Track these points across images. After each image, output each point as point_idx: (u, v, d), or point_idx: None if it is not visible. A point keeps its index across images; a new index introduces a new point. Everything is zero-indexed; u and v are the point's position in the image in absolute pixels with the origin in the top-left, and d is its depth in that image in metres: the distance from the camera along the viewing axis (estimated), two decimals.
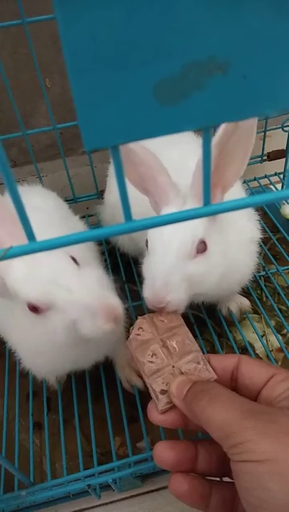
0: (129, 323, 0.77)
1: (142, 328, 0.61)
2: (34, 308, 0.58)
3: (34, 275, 0.57)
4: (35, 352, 0.67)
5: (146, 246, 0.68)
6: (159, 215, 0.66)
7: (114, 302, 0.58)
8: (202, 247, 0.65)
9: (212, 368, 0.56)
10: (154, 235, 0.65)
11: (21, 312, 0.60)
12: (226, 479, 0.55)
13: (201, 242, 0.65)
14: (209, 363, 0.57)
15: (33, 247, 0.28)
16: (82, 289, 0.57)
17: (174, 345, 0.59)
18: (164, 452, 0.54)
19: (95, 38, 0.21)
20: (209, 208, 0.27)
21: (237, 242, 0.75)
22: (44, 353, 0.66)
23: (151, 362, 0.57)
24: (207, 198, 0.29)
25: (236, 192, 0.84)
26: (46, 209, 0.87)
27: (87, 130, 0.23)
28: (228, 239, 0.71)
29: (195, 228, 0.64)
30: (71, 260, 0.61)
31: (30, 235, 0.28)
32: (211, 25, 0.22)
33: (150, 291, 0.63)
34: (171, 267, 0.62)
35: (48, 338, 0.60)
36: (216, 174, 0.62)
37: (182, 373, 0.56)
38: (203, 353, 0.59)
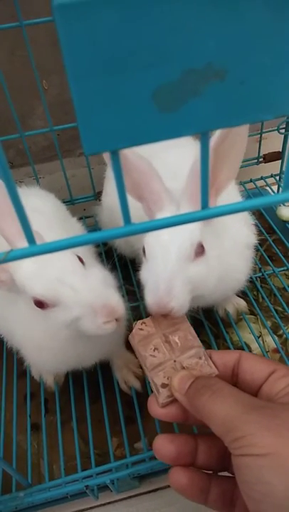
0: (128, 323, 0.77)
1: (144, 323, 0.61)
2: (40, 304, 0.61)
3: (42, 272, 0.60)
4: (39, 347, 0.70)
5: (144, 253, 0.67)
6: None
7: (115, 302, 0.61)
8: (200, 250, 0.65)
9: (213, 363, 0.57)
10: (151, 240, 0.65)
11: (26, 308, 0.64)
12: (226, 473, 0.55)
13: (199, 245, 0.65)
14: (211, 358, 0.57)
15: (33, 250, 0.29)
16: (86, 288, 0.60)
17: (176, 340, 0.59)
18: (164, 446, 0.54)
19: (94, 45, 0.21)
20: (208, 212, 0.28)
21: (232, 247, 0.74)
22: (48, 349, 0.69)
23: (153, 356, 0.58)
24: (205, 202, 0.29)
25: (232, 194, 0.84)
26: (44, 210, 0.87)
27: (87, 135, 0.24)
28: (224, 244, 0.71)
29: (192, 231, 0.64)
30: (78, 260, 0.64)
31: (30, 238, 0.29)
32: (208, 32, 0.22)
33: (153, 297, 0.61)
34: (173, 271, 0.62)
35: (51, 332, 0.64)
36: (210, 177, 0.62)
37: (184, 368, 0.56)
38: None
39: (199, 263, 0.65)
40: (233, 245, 0.75)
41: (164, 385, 0.55)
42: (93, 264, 0.71)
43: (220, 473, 0.56)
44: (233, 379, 0.55)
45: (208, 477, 0.54)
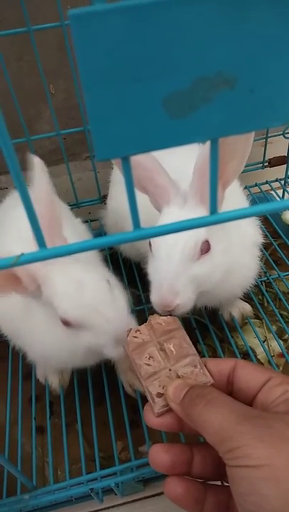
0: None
1: (139, 330, 0.61)
2: (66, 323, 0.63)
3: (78, 297, 0.62)
4: (50, 353, 0.72)
5: (150, 248, 0.68)
6: (161, 213, 0.68)
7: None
8: (206, 247, 0.66)
9: (208, 371, 0.56)
10: (157, 238, 0.66)
11: (46, 317, 0.66)
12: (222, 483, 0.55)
13: (204, 242, 0.65)
14: (206, 366, 0.57)
15: (44, 254, 0.29)
16: (117, 319, 0.63)
17: (171, 349, 0.59)
18: (159, 455, 0.54)
19: (107, 54, 0.22)
20: (217, 217, 0.28)
21: (240, 244, 0.75)
22: (59, 355, 0.71)
23: (148, 364, 0.57)
24: (214, 207, 0.29)
25: (239, 199, 0.85)
26: None
27: (99, 141, 0.24)
28: (231, 237, 0.72)
29: (198, 230, 0.64)
30: (108, 285, 0.66)
31: (40, 241, 0.29)
32: (218, 41, 0.22)
33: (158, 295, 0.64)
34: (177, 271, 0.63)
35: (70, 347, 0.66)
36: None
37: (179, 377, 0.56)
38: (203, 356, 0.59)
39: (204, 261, 0.66)
40: (240, 240, 0.75)
41: (159, 395, 0.55)
42: (99, 271, 0.72)
43: (216, 482, 0.55)
44: (229, 387, 0.55)
45: (203, 487, 0.53)
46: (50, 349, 0.70)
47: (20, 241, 0.70)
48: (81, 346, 0.66)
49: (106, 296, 0.64)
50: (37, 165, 0.63)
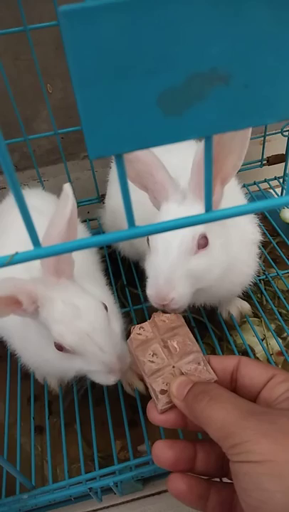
0: (130, 326, 0.77)
1: (142, 327, 0.61)
2: (60, 347, 0.63)
3: (73, 323, 0.62)
4: (43, 369, 0.75)
5: (148, 244, 0.68)
6: (159, 210, 0.68)
7: (128, 360, 0.66)
8: (203, 242, 0.65)
9: (212, 368, 0.56)
10: None
11: (40, 337, 0.67)
12: (225, 480, 0.55)
13: (202, 237, 0.65)
14: (209, 363, 0.57)
15: (39, 252, 0.29)
16: (111, 350, 0.64)
17: (175, 346, 0.59)
18: (163, 451, 0.54)
19: (99, 51, 0.21)
20: (212, 214, 0.28)
21: (239, 241, 0.75)
22: (51, 372, 0.74)
23: (152, 361, 0.57)
24: (209, 204, 0.29)
25: (237, 197, 0.85)
26: (44, 210, 0.88)
27: (92, 139, 0.24)
28: (230, 233, 0.71)
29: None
30: (105, 312, 0.66)
31: (35, 240, 0.29)
32: (211, 37, 0.22)
33: (153, 288, 0.64)
34: (173, 264, 0.62)
35: (61, 368, 0.68)
36: (215, 167, 0.62)
37: (182, 374, 0.56)
38: (204, 354, 0.60)
39: (201, 255, 0.65)
40: (239, 239, 0.75)
41: (162, 392, 0.55)
42: (96, 279, 0.74)
43: (221, 480, 0.55)
44: (232, 384, 0.55)
45: (207, 483, 0.53)
46: (42, 366, 0.71)
47: (19, 241, 0.70)
48: (72, 370, 0.67)
49: (102, 323, 0.64)
50: (65, 191, 0.64)
